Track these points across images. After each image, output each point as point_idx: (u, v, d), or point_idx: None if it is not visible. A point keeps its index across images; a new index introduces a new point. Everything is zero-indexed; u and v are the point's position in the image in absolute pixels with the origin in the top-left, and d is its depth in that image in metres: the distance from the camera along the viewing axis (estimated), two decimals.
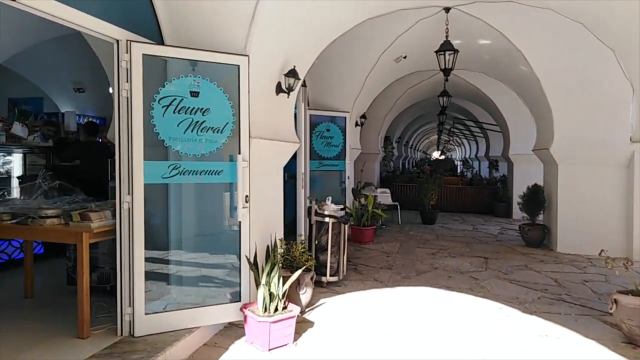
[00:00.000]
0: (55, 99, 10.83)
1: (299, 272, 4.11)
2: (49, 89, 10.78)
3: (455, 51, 6.51)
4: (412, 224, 11.08)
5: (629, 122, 7.29)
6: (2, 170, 6.25)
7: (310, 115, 8.06)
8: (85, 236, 3.31)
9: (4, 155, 6.18)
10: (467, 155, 26.57)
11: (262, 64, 4.38)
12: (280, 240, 4.71)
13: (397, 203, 11.27)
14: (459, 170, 27.71)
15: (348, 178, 8.54)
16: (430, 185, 11.06)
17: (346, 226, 5.74)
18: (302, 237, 5.47)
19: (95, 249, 4.39)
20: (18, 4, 2.69)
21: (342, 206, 5.68)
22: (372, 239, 8.50)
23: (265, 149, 4.57)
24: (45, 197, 4.00)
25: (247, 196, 3.94)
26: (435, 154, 52.00)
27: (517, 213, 12.22)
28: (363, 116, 9.44)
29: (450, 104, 14.70)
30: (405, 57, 8.51)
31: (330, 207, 5.51)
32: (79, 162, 6.59)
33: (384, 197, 11.01)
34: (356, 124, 9.36)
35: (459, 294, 5.47)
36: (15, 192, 5.56)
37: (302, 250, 4.68)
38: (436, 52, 6.56)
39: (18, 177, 6.22)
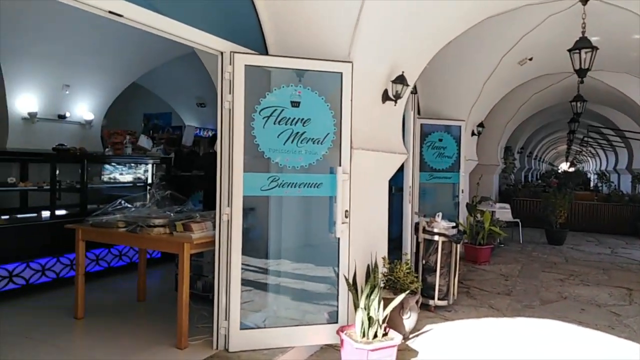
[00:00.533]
0: (181, 113, 11.78)
1: (403, 295, 3.76)
2: (176, 104, 11.76)
3: (594, 48, 5.48)
4: (535, 244, 9.94)
5: None
6: (131, 178, 6.85)
7: (421, 125, 7.63)
8: (187, 246, 3.35)
9: (133, 166, 6.75)
10: (604, 168, 23.55)
11: (367, 71, 4.14)
12: (384, 258, 4.39)
13: (518, 220, 10.22)
14: (592, 184, 24.70)
15: (462, 192, 7.89)
16: (559, 201, 9.83)
17: (458, 246, 5.21)
18: (408, 256, 5.07)
19: (201, 257, 4.50)
20: (125, 20, 2.79)
21: (454, 223, 5.17)
22: (488, 259, 7.74)
23: (369, 160, 4.31)
24: (157, 206, 4.18)
25: (346, 211, 3.71)
26: (564, 166, 47.58)
27: None
28: (480, 125, 8.71)
29: (584, 109, 13.14)
30: (531, 59, 7.65)
31: (441, 224, 5.04)
32: (203, 173, 6.95)
33: (503, 213, 10.05)
34: (472, 134, 8.68)
35: (595, 332, 4.64)
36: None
37: (407, 270, 4.31)
38: (570, 50, 5.72)
39: (148, 185, 6.75)
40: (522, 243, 9.96)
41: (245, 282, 3.59)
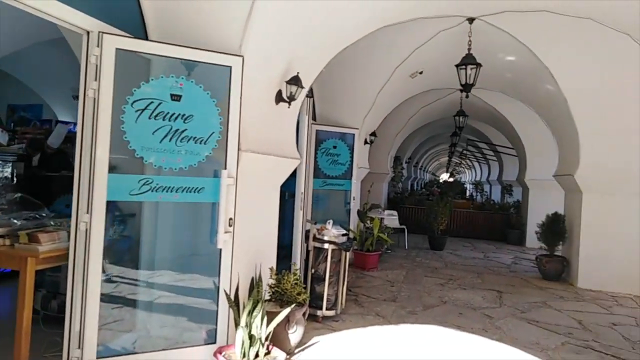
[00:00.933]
0: (54, 106, 10.45)
1: (289, 309, 3.54)
2: (47, 95, 10.40)
3: (478, 65, 5.92)
4: (419, 249, 10.44)
5: None
6: None
7: (317, 131, 7.56)
8: (31, 261, 2.77)
9: None
10: (478, 179, 25.89)
11: (260, 68, 3.88)
12: (271, 269, 4.14)
13: (404, 226, 10.65)
14: (468, 194, 27.02)
15: (354, 199, 7.97)
16: (441, 209, 10.45)
17: (348, 253, 5.15)
18: (297, 266, 4.89)
19: (58, 272, 3.85)
20: None
21: (344, 231, 5.11)
22: (376, 265, 7.89)
23: (259, 164, 4.05)
24: (2, 212, 3.48)
25: (230, 219, 3.39)
26: (445, 176, 51.41)
27: (531, 241, 11.61)
28: (373, 134, 8.91)
29: (465, 124, 14.22)
30: (421, 73, 8.00)
31: (331, 232, 4.94)
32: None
33: (391, 220, 10.41)
34: (365, 142, 8.83)
35: (472, 336, 4.84)
36: None
37: (295, 281, 4.11)
38: (457, 65, 6.03)
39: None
40: (408, 249, 10.39)
41: (111, 299, 3.10)
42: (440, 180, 38.10)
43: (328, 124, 7.80)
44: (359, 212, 7.92)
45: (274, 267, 4.17)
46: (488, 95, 10.59)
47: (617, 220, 7.11)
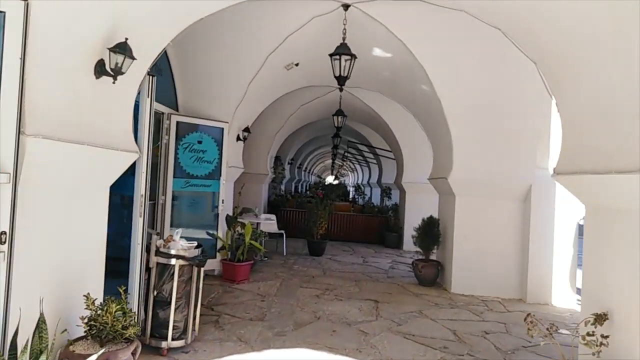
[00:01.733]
0: None
1: (101, 351, 2.56)
2: None
3: (353, 56, 5.41)
4: (298, 255, 9.84)
5: (530, 152, 6.83)
6: None
7: (178, 122, 6.51)
8: None
9: None
10: (360, 182, 26.46)
11: (67, 23, 2.82)
12: (87, 297, 3.09)
13: (282, 231, 9.98)
14: (350, 196, 27.52)
15: (223, 202, 7.06)
16: (321, 212, 9.96)
17: (202, 270, 4.24)
18: (134, 289, 3.85)
19: None
20: None
21: (196, 242, 4.18)
22: (247, 277, 7.05)
23: (68, 156, 2.98)
24: None
25: (2, 233, 2.31)
26: (330, 179, 52.37)
27: (408, 244, 11.63)
28: (247, 130, 8.07)
29: (345, 126, 14.02)
30: (297, 65, 7.35)
31: (179, 244, 3.99)
32: None
33: (269, 224, 9.66)
34: (238, 138, 7.96)
35: (344, 359, 4.25)
36: None
37: (120, 311, 3.11)
38: (331, 55, 5.45)
39: None
40: (286, 255, 9.73)
41: None
42: (326, 183, 38.60)
43: (192, 115, 6.81)
44: (227, 217, 7.02)
45: (90, 295, 3.11)
46: (367, 95, 10.40)
47: (486, 222, 7.16)
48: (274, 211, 12.86)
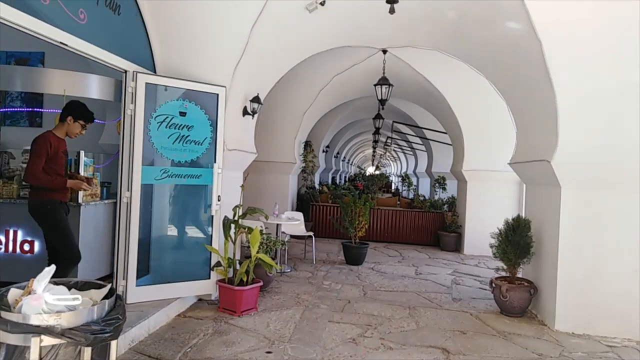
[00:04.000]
0: None
1: None
2: None
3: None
4: (331, 264, 7.69)
5: None
6: None
7: (148, 85, 4.48)
8: None
9: None
10: (405, 171, 23.98)
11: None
12: None
13: (311, 233, 7.86)
14: (393, 188, 25.07)
15: (219, 199, 4.97)
16: (360, 209, 7.74)
17: (113, 344, 2.14)
18: None
19: None
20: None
21: (106, 288, 2.12)
22: (254, 305, 4.95)
23: None
24: None
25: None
26: (370, 170, 50.23)
27: (471, 247, 9.37)
28: (256, 100, 5.93)
29: (388, 107, 11.72)
30: (323, 3, 5.12)
31: (42, 301, 1.90)
32: None
33: (293, 226, 7.55)
34: (245, 112, 5.86)
35: None
36: None
37: None
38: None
39: None
40: (315, 264, 7.60)
41: None
42: (367, 174, 36.16)
43: (170, 75, 4.77)
44: (225, 220, 4.92)
45: None
46: (418, 59, 8.07)
47: (613, 230, 4.73)
48: (304, 207, 10.78)
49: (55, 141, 4.04)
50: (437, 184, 11.26)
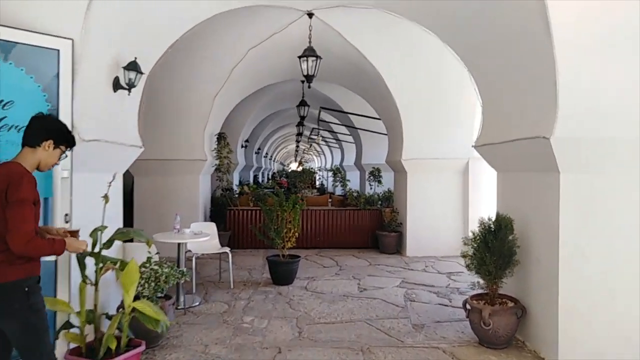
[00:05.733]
0: None
1: None
2: None
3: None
4: (255, 286, 6.04)
5: None
6: None
7: None
8: None
9: None
10: (331, 165, 22.76)
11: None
12: None
13: (227, 249, 6.14)
14: (318, 184, 23.80)
15: (67, 219, 3.13)
16: (287, 214, 6.15)
17: None
18: None
19: None
20: None
21: None
22: None
23: None
24: None
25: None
26: (294, 166, 48.97)
27: (415, 247, 8.20)
28: (133, 67, 4.08)
29: (312, 91, 10.28)
30: None
31: None
32: None
33: (202, 243, 5.77)
34: (116, 85, 4.00)
35: None
36: None
37: None
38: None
39: None
40: (233, 288, 5.90)
41: None
42: (289, 170, 34.63)
43: None
44: (79, 256, 3.08)
45: None
46: (349, 24, 6.64)
47: (626, 228, 3.57)
48: (220, 213, 8.99)
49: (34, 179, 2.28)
50: (371, 177, 9.96)
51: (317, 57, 6.21)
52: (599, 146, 3.43)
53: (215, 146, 9.22)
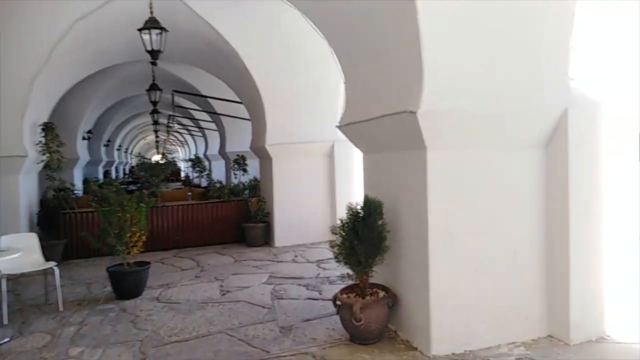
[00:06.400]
0: None
1: None
2: None
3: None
4: (92, 304, 4.97)
5: None
6: None
7: None
8: None
9: None
10: (194, 156, 21.39)
11: None
12: None
13: (53, 264, 4.94)
14: (183, 176, 22.30)
15: None
16: (130, 214, 5.15)
17: None
18: None
19: None
20: None
21: None
22: None
23: None
24: None
25: None
26: (157, 158, 46.02)
27: (283, 237, 7.80)
28: None
29: (162, 76, 9.20)
30: None
31: None
32: None
33: (15, 261, 4.50)
34: None
35: None
36: None
37: None
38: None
39: None
40: (63, 310, 4.77)
41: None
42: (152, 162, 32.04)
43: None
44: None
45: None
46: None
47: (493, 202, 3.45)
48: (52, 218, 7.50)
49: None
50: (236, 166, 9.22)
51: (162, 29, 5.49)
52: (464, 121, 3.22)
53: (43, 139, 7.62)
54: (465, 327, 3.42)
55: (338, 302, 3.74)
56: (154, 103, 9.99)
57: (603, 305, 3.56)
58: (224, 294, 5.21)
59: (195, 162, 12.86)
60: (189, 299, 5.06)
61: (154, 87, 9.58)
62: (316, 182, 7.84)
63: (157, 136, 25.62)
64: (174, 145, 34.48)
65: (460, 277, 3.40)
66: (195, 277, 6.06)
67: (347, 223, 3.67)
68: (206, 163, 16.22)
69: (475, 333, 3.44)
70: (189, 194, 9.39)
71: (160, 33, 5.42)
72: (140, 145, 37.59)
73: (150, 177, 8.67)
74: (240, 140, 11.57)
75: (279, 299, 4.96)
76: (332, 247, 3.72)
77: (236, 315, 4.46)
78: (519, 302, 3.55)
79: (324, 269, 6.12)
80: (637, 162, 3.73)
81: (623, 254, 3.68)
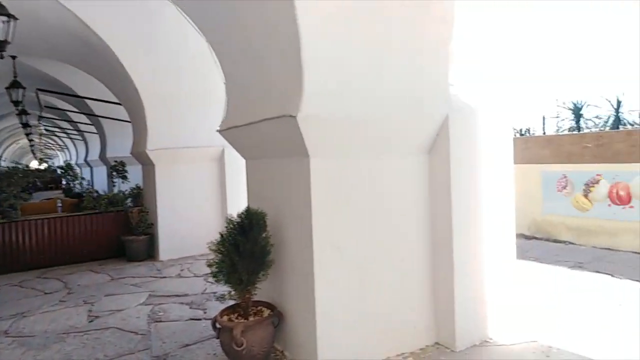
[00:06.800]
0: None
1: None
2: None
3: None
4: None
5: None
6: None
7: None
8: None
9: None
10: (74, 161, 19.44)
11: None
12: None
13: None
14: (64, 183, 20.15)
15: None
16: None
17: None
18: None
19: None
20: None
21: None
22: None
23: None
24: None
25: None
26: (35, 164, 41.76)
27: (169, 249, 7.24)
28: None
29: (25, 72, 8.05)
30: None
31: None
32: None
33: None
34: None
35: None
36: None
37: None
38: None
39: None
40: None
41: None
42: (29, 168, 28.59)
43: None
44: None
45: None
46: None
47: (379, 212, 3.32)
48: None
49: None
50: (114, 172, 8.35)
51: (11, 16, 4.89)
52: (348, 126, 3.05)
53: None
54: (353, 340, 3.26)
55: (218, 325, 3.37)
56: (16, 103, 8.74)
57: (485, 310, 3.63)
58: (91, 321, 4.55)
59: (66, 169, 11.52)
60: (46, 330, 4.33)
61: (15, 85, 8.38)
62: (205, 189, 7.35)
63: (30, 140, 22.93)
64: (53, 149, 31.26)
65: (346, 289, 3.23)
66: (60, 301, 5.27)
67: (227, 238, 3.32)
68: (87, 170, 14.75)
69: (364, 346, 3.29)
70: (59, 205, 8.30)
71: (8, 21, 4.67)
72: (12, 149, 33.54)
73: (7, 187, 7.41)
74: (122, 145, 10.59)
75: (157, 322, 4.44)
76: (209, 265, 3.34)
77: (102, 347, 3.87)
78: (407, 311, 3.49)
79: (212, 283, 5.63)
80: (511, 165, 3.89)
81: (501, 255, 3.79)
